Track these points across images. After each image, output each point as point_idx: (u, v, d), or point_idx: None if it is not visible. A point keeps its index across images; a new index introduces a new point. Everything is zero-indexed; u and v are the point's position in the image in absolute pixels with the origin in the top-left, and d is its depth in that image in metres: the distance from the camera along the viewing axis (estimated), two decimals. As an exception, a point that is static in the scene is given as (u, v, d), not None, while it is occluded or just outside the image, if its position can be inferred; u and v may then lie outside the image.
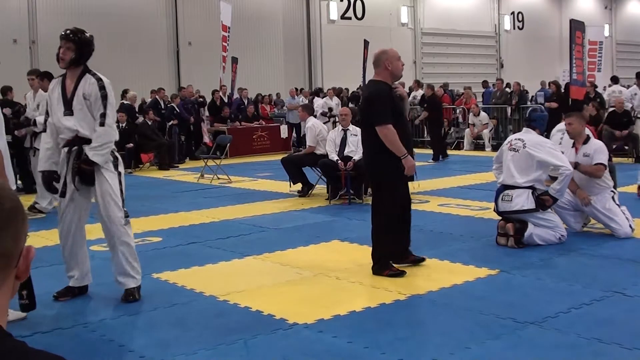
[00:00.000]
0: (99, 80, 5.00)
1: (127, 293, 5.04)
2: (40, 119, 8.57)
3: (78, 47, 4.94)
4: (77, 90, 4.97)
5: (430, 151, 15.14)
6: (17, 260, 1.22)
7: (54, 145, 5.07)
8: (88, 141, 4.98)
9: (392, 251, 5.68)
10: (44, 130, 5.17)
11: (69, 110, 4.97)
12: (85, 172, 5.03)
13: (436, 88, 16.25)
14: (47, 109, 5.17)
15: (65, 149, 5.04)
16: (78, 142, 5.00)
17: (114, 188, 5.01)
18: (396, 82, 5.81)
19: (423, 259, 5.87)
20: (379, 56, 5.64)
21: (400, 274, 5.53)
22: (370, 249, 5.75)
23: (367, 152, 5.71)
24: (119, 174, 5.09)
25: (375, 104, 5.51)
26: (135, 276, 5.10)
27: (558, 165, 6.36)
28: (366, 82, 21.53)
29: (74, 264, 5.16)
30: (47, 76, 8.77)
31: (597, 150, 6.87)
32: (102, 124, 4.97)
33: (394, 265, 5.61)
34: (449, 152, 15.76)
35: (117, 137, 5.15)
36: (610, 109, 14.36)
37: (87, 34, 5.07)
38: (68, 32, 4.97)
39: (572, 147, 6.99)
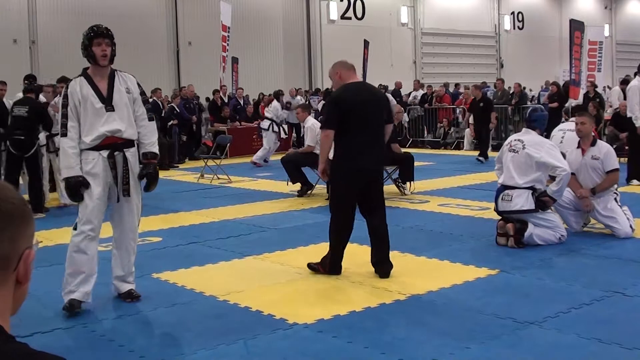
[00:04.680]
0: (134, 76, 5.04)
1: (133, 292, 5.05)
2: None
3: (113, 44, 4.88)
4: (115, 87, 4.84)
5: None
6: (15, 264, 1.20)
7: (78, 150, 4.80)
8: (128, 143, 4.89)
9: (336, 254, 5.64)
10: (65, 135, 4.76)
11: (110, 106, 4.78)
12: (152, 172, 5.00)
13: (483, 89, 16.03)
14: (66, 112, 4.76)
15: (105, 153, 4.80)
16: (120, 145, 4.85)
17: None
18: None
19: (384, 275, 5.58)
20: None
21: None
22: (370, 249, 5.74)
23: None
24: None
25: (326, 108, 5.80)
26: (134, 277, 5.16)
27: (556, 166, 6.35)
28: (366, 82, 21.56)
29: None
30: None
31: (607, 154, 6.80)
32: (151, 119, 5.02)
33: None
34: (450, 152, 15.75)
35: None
36: (614, 110, 14.35)
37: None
38: (104, 28, 4.84)
39: (578, 147, 6.96)
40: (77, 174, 4.73)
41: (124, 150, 4.87)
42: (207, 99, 19.12)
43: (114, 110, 4.80)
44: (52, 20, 19.73)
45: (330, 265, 5.62)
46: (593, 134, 7.34)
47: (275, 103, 10.03)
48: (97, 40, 4.77)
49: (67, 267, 4.82)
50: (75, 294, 4.75)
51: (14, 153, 9.00)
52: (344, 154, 5.50)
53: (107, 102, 4.78)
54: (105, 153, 4.81)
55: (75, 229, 4.81)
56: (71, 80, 4.92)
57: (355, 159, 5.46)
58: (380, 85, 20.77)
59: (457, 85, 22.15)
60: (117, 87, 4.85)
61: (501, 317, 4.44)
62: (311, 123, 10.49)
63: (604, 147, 6.91)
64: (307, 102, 18.83)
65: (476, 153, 14.92)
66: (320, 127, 5.67)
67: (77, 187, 4.73)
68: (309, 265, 5.74)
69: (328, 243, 5.70)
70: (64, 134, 4.76)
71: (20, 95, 9.87)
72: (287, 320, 4.49)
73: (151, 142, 4.99)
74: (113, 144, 4.83)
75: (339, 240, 5.63)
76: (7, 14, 19.38)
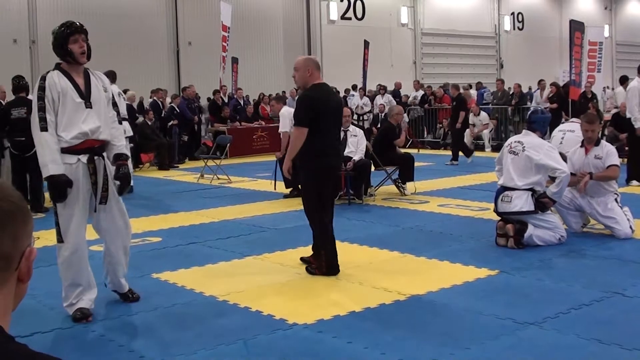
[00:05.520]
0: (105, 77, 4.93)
1: (132, 293, 5.02)
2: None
3: (88, 39, 4.71)
4: (92, 83, 4.67)
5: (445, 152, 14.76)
6: (17, 262, 1.21)
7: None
8: (104, 146, 4.71)
9: (329, 254, 5.68)
10: (45, 130, 4.48)
11: (89, 102, 4.59)
12: (128, 173, 4.77)
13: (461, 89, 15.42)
14: (43, 105, 4.49)
15: (84, 158, 4.58)
16: (99, 149, 4.66)
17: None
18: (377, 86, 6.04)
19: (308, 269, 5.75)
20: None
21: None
22: (370, 249, 5.75)
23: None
24: None
25: (296, 106, 5.77)
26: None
27: (556, 168, 6.36)
28: (366, 82, 21.60)
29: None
30: None
31: (609, 152, 6.86)
32: (121, 121, 4.94)
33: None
34: (449, 152, 15.73)
35: None
36: (614, 111, 14.36)
37: None
38: (79, 24, 4.66)
39: (582, 146, 6.98)
40: (63, 171, 4.45)
41: (103, 154, 4.70)
42: (208, 99, 19.13)
43: (92, 108, 4.60)
44: (52, 20, 19.58)
45: (327, 267, 5.62)
46: None
47: (285, 110, 9.83)
48: (74, 37, 4.58)
49: (64, 280, 4.65)
50: (81, 303, 4.64)
51: (17, 154, 9.08)
52: (317, 152, 5.54)
53: (86, 98, 4.59)
54: (84, 158, 4.58)
55: (61, 241, 4.57)
56: (44, 73, 4.64)
57: (328, 157, 5.64)
58: (378, 85, 20.80)
59: (444, 85, 22.11)
60: (95, 84, 4.69)
61: (501, 317, 4.45)
62: (284, 110, 10.18)
63: (607, 147, 6.94)
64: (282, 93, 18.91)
65: (476, 153, 14.91)
66: (295, 125, 5.62)
67: (65, 186, 4.46)
68: (307, 269, 5.73)
69: (323, 241, 5.71)
70: (44, 128, 4.45)
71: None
72: (287, 320, 4.49)
73: (123, 144, 4.83)
74: (92, 148, 4.62)
75: (326, 239, 5.68)
76: (7, 13, 19.38)
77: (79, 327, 4.52)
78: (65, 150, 4.53)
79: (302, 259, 5.99)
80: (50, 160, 4.44)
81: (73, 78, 4.62)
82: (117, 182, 4.74)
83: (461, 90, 15.34)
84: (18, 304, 1.25)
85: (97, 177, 4.63)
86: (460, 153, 14.29)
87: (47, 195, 9.62)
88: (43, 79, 4.58)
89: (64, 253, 4.59)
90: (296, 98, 5.73)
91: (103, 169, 4.67)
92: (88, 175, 4.61)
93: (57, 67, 4.69)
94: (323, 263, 5.64)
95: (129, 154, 4.92)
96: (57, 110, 4.53)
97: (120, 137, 4.85)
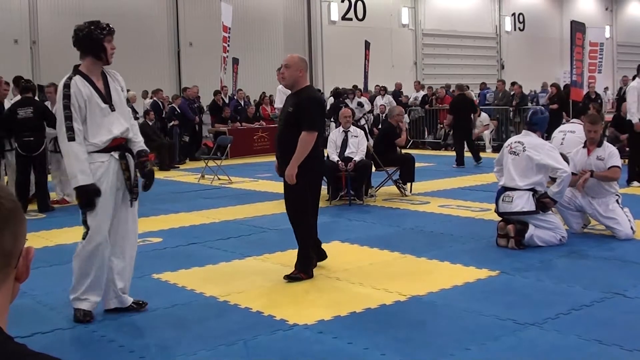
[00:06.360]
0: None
1: (141, 303, 4.87)
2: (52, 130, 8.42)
3: None
4: (111, 85, 4.65)
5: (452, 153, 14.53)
6: (16, 261, 1.22)
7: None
8: (129, 143, 4.73)
9: (311, 256, 5.68)
10: (73, 139, 4.45)
11: (112, 106, 4.59)
12: (152, 170, 4.82)
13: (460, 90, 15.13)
14: (70, 113, 4.46)
15: (116, 154, 4.61)
16: (124, 146, 4.68)
17: None
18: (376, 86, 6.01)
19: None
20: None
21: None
22: (370, 250, 5.74)
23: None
24: None
25: (312, 109, 5.52)
26: None
27: (556, 168, 6.36)
28: (368, 83, 21.61)
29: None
30: None
31: (611, 154, 6.85)
32: (137, 118, 4.95)
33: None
34: (450, 153, 15.72)
35: None
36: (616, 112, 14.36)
37: None
38: (111, 25, 4.69)
39: (584, 147, 6.98)
40: (92, 181, 4.47)
41: (131, 151, 4.73)
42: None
43: (115, 110, 4.64)
44: (53, 21, 19.71)
45: (311, 270, 5.62)
46: None
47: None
48: (109, 38, 4.60)
49: (77, 270, 4.58)
50: (85, 304, 4.59)
51: (23, 154, 9.06)
52: (315, 155, 5.51)
53: (109, 102, 4.61)
54: (116, 154, 4.62)
55: (84, 238, 4.57)
56: (66, 79, 4.57)
57: (321, 159, 5.68)
58: (377, 86, 20.79)
59: (453, 90, 22.06)
60: (113, 86, 4.69)
61: (501, 318, 4.44)
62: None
63: (609, 148, 6.93)
64: None
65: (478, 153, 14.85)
66: (310, 129, 5.39)
67: (93, 195, 4.47)
68: (289, 277, 5.54)
69: (311, 246, 5.67)
70: (72, 138, 4.45)
71: (18, 96, 9.89)
72: (287, 321, 4.49)
73: (141, 140, 4.86)
74: (121, 145, 4.66)
75: (312, 241, 5.68)
76: (8, 14, 19.38)
77: (79, 327, 4.52)
78: (96, 151, 4.54)
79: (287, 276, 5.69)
80: (79, 170, 4.46)
81: (94, 82, 4.60)
82: (142, 179, 4.81)
83: (456, 92, 15.30)
84: (11, 302, 1.26)
85: (130, 172, 4.68)
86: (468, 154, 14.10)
87: (51, 194, 9.70)
88: (67, 86, 4.51)
89: (87, 247, 4.55)
90: (303, 100, 5.53)
91: (133, 165, 4.72)
92: (121, 171, 4.63)
93: (77, 71, 4.61)
94: (311, 267, 5.62)
95: (147, 149, 4.90)
96: (84, 118, 4.52)
97: (138, 133, 4.87)
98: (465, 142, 14.19)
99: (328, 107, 17.35)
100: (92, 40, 4.57)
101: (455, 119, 14.10)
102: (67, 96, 4.49)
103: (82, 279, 4.60)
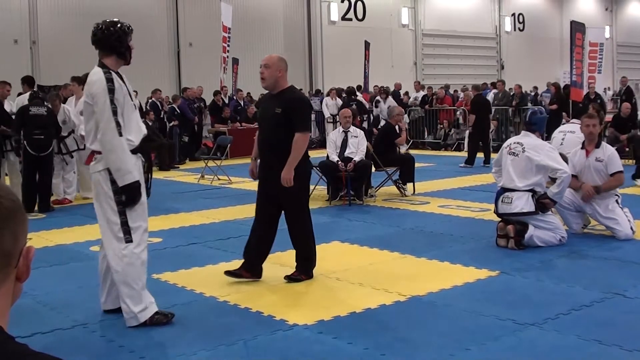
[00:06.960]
0: None
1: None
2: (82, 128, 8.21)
3: None
4: (128, 85, 4.61)
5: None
6: (17, 260, 1.21)
7: None
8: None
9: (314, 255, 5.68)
10: (121, 135, 4.34)
11: (135, 104, 4.56)
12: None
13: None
14: (116, 108, 4.32)
15: (139, 155, 4.59)
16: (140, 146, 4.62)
17: None
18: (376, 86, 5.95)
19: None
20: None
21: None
22: (370, 250, 5.74)
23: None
24: None
25: (303, 111, 5.49)
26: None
27: (556, 169, 6.36)
28: (367, 82, 21.60)
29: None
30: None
31: (611, 156, 6.79)
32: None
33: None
34: (450, 153, 15.72)
35: None
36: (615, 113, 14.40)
37: None
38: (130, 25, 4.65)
39: (582, 148, 6.96)
40: (137, 178, 4.40)
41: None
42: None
43: (137, 109, 4.66)
44: (53, 21, 19.73)
45: (311, 271, 5.60)
46: None
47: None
48: (130, 37, 4.58)
49: (133, 280, 4.40)
50: (154, 307, 4.50)
51: (32, 153, 8.99)
52: (306, 156, 5.51)
53: (132, 100, 4.62)
54: (139, 156, 4.59)
55: (129, 241, 4.39)
56: (104, 73, 4.39)
57: (308, 159, 5.61)
58: (376, 86, 20.78)
59: (455, 91, 22.12)
60: (129, 85, 4.66)
61: (501, 318, 4.44)
62: None
63: (608, 150, 6.89)
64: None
65: (477, 154, 14.85)
66: (304, 130, 5.34)
67: (140, 192, 4.40)
68: (289, 277, 5.53)
69: (314, 247, 5.65)
70: (121, 133, 4.32)
71: (22, 98, 9.88)
72: (287, 321, 4.49)
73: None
74: (140, 146, 4.62)
75: (312, 242, 5.65)
76: (8, 14, 19.38)
77: (79, 327, 4.52)
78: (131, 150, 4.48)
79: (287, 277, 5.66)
80: (133, 166, 4.40)
81: (122, 79, 4.53)
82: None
83: (460, 93, 15.28)
84: (13, 303, 1.26)
85: (150, 173, 4.71)
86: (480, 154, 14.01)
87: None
88: (110, 80, 4.36)
89: (134, 250, 4.40)
90: (294, 101, 5.46)
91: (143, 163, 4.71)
92: (142, 172, 4.61)
93: (106, 67, 4.47)
94: (312, 268, 5.61)
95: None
96: (122, 113, 4.40)
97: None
98: (480, 142, 14.22)
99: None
100: (118, 38, 4.52)
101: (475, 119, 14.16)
102: (111, 90, 4.34)
103: (144, 290, 4.46)
